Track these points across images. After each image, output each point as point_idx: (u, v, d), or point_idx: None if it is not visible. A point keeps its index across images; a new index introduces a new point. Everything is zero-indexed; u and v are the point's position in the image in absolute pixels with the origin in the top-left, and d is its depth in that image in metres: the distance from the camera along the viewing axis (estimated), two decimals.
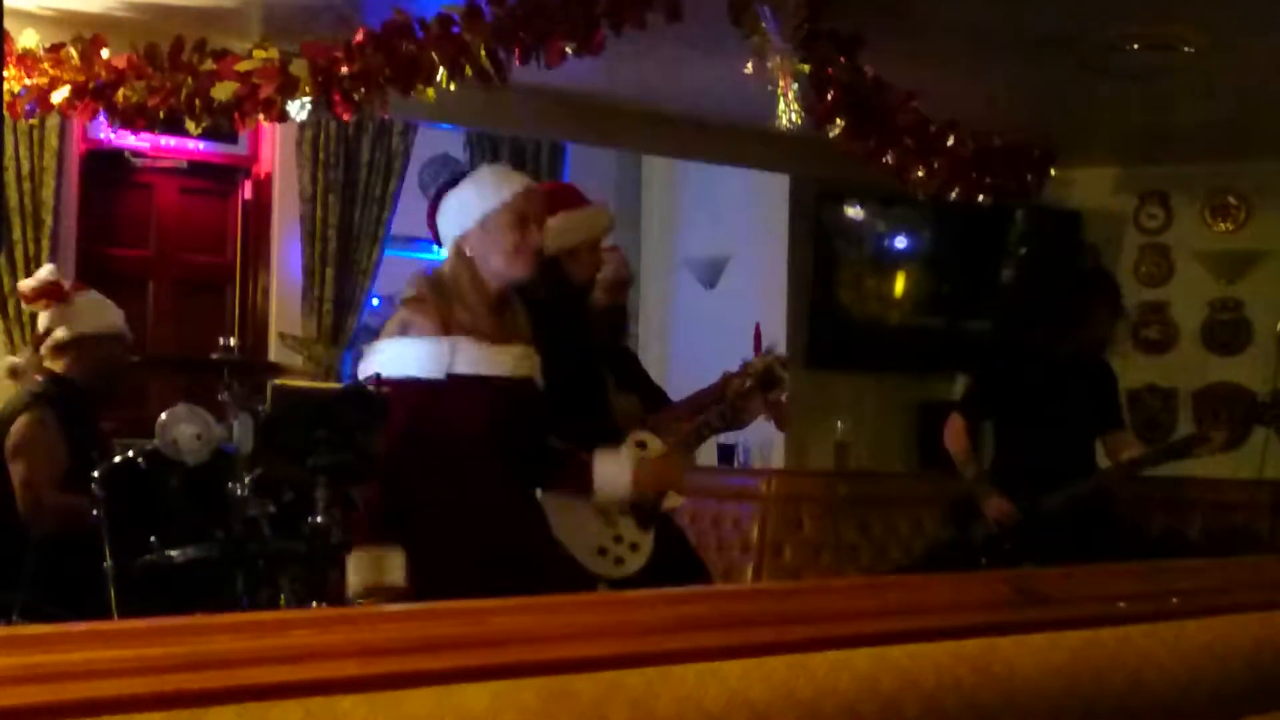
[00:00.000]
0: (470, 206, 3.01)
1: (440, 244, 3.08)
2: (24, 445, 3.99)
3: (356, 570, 2.79)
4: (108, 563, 3.61)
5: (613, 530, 3.43)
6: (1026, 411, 4.64)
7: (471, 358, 2.88)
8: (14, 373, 4.28)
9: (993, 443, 4.95)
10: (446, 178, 3.12)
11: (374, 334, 6.75)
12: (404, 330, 2.93)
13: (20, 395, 4.19)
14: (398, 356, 2.86)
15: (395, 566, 2.76)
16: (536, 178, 7.13)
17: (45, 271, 4.33)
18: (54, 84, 4.67)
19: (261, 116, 4.85)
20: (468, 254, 2.98)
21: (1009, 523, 4.53)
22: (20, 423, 4.02)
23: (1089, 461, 4.68)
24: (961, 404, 4.89)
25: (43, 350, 4.23)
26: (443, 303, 2.93)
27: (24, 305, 4.39)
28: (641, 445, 3.57)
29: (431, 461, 2.87)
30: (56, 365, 4.18)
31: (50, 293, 4.19)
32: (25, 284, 4.32)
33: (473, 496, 2.89)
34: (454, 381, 2.85)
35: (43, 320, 4.23)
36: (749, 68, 4.88)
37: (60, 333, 4.16)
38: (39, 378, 4.20)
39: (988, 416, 4.82)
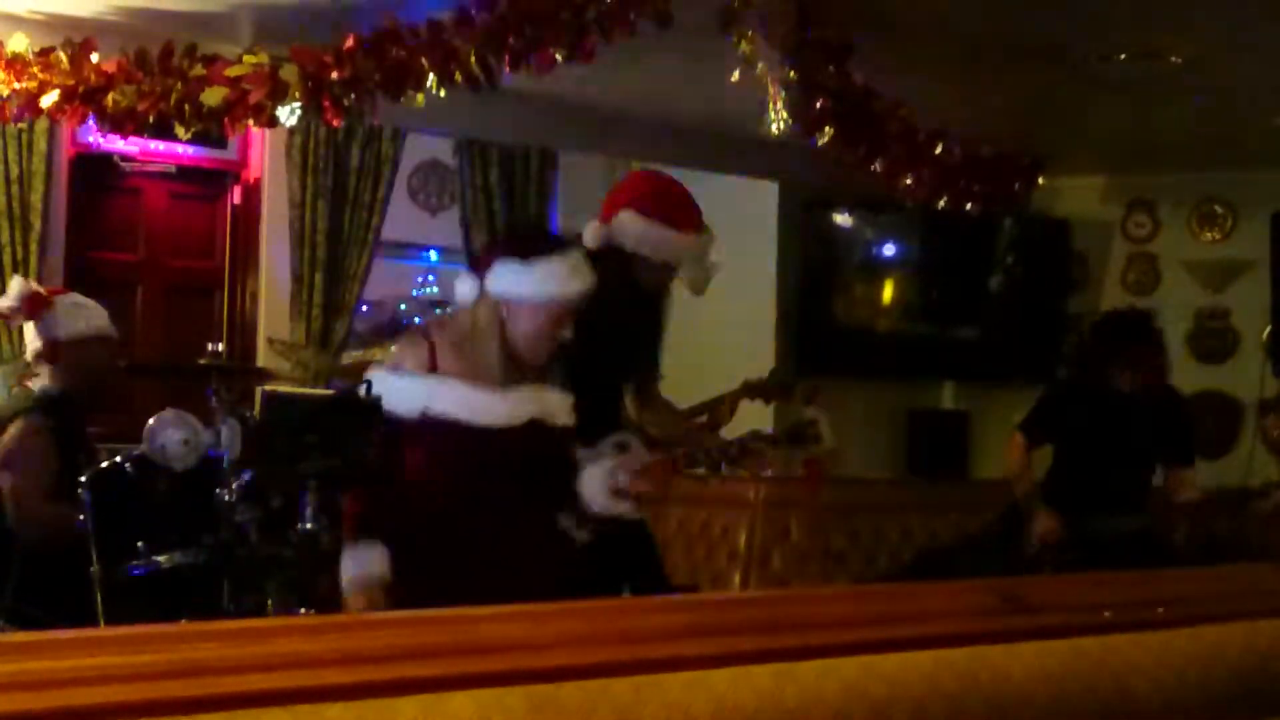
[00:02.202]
0: (541, 283, 3.00)
1: (472, 267, 3.09)
2: (15, 453, 3.96)
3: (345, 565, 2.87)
4: (95, 568, 3.60)
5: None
6: (1086, 438, 4.59)
7: (454, 401, 2.92)
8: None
9: (1050, 461, 4.85)
10: (535, 234, 3.15)
11: (362, 340, 6.75)
12: (395, 365, 2.98)
13: (12, 402, 4.17)
14: (380, 388, 2.89)
15: (379, 560, 2.84)
16: (525, 184, 7.16)
17: (15, 289, 4.25)
18: (43, 88, 4.66)
19: (251, 121, 4.85)
20: (502, 313, 3.00)
21: (1053, 542, 4.50)
22: (12, 430, 3.99)
23: (1143, 492, 4.64)
24: (1024, 424, 4.79)
25: (28, 358, 4.21)
26: (443, 343, 2.97)
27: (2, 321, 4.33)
28: (622, 447, 3.53)
29: (402, 495, 2.92)
30: (42, 372, 4.16)
31: (29, 308, 4.14)
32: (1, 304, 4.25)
33: (441, 536, 2.93)
34: (426, 422, 2.90)
35: (27, 329, 4.21)
36: (735, 75, 4.89)
37: (39, 341, 4.14)
38: (28, 384, 4.18)
39: (1048, 439, 4.76)
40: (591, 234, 3.50)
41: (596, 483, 3.07)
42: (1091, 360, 4.68)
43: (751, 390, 3.97)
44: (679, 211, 3.50)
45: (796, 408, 3.67)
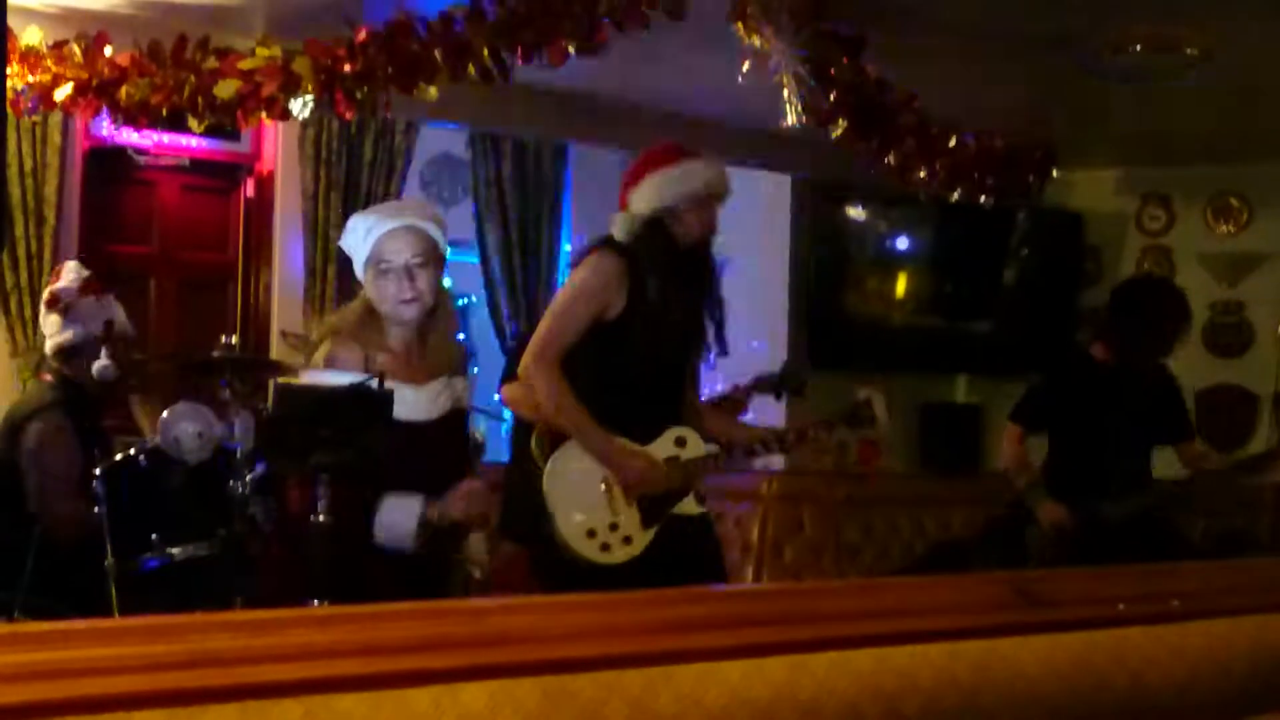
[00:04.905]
0: (355, 255, 3.09)
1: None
2: (42, 452, 3.98)
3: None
4: (109, 560, 3.61)
5: (611, 516, 3.39)
6: (1082, 420, 4.56)
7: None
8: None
9: (1046, 450, 4.81)
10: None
11: None
12: (329, 364, 2.98)
13: (32, 397, 4.18)
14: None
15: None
16: (537, 177, 7.16)
17: (74, 271, 4.28)
18: (57, 81, 4.67)
19: (264, 114, 4.85)
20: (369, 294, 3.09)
21: (1064, 529, 4.47)
22: (37, 428, 4.01)
23: (1146, 471, 4.61)
24: (1016, 413, 4.74)
25: (48, 352, 4.22)
26: (364, 336, 2.99)
27: (44, 307, 4.36)
28: (681, 442, 3.51)
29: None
30: (64, 367, 4.17)
31: (90, 288, 4.17)
32: (61, 286, 4.26)
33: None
34: None
35: (50, 323, 4.21)
36: (745, 66, 4.88)
37: (66, 336, 4.16)
38: (47, 378, 4.20)
39: (1043, 425, 4.72)
40: (621, 223, 3.50)
41: (402, 515, 2.98)
42: (1116, 326, 4.61)
43: (763, 385, 3.98)
44: (677, 149, 3.57)
45: (848, 389, 3.71)
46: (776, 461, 7.20)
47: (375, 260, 3.02)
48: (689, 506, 3.50)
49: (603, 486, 3.38)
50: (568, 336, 3.38)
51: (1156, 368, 4.70)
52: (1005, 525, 4.78)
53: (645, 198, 3.44)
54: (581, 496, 3.38)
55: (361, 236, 3.04)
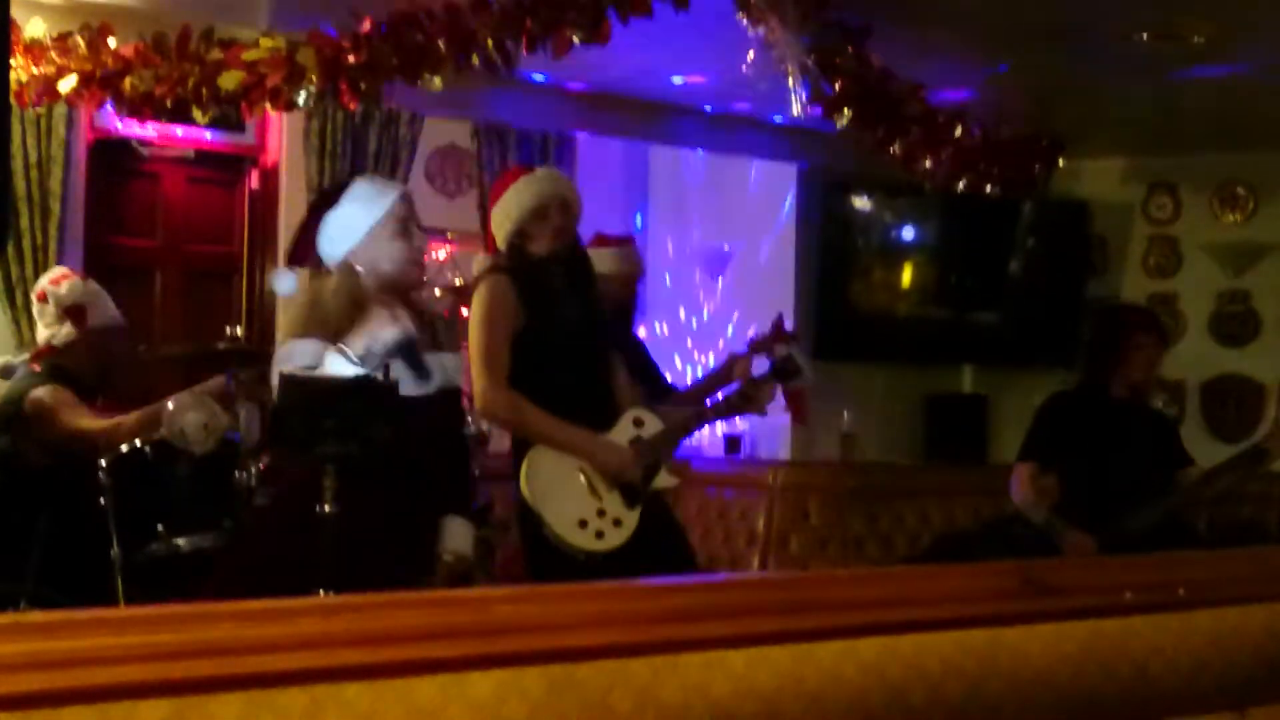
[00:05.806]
0: (354, 222, 3.05)
1: (319, 265, 3.11)
2: (54, 402, 4.03)
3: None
4: (115, 551, 3.62)
5: (597, 503, 3.46)
6: (1094, 452, 4.54)
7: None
8: (5, 373, 4.32)
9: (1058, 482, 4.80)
10: (317, 197, 3.21)
11: None
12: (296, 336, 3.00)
13: (26, 381, 4.19)
14: (310, 353, 2.93)
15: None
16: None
17: (61, 280, 4.32)
18: (61, 73, 4.67)
19: (268, 105, 4.85)
20: (358, 269, 3.04)
21: (1091, 554, 4.45)
22: (45, 390, 4.05)
23: (1163, 485, 4.57)
24: (1028, 452, 4.68)
25: (40, 343, 4.24)
26: (325, 330, 2.98)
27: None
28: (639, 423, 3.59)
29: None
30: (56, 357, 4.19)
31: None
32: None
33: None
34: None
35: (44, 316, 4.23)
36: (750, 56, 4.87)
37: (59, 330, 4.17)
38: (37, 368, 4.21)
39: (1055, 458, 4.71)
40: (484, 261, 3.69)
41: (463, 531, 3.12)
42: (1096, 353, 4.65)
43: (759, 348, 4.03)
44: (510, 177, 3.71)
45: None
46: (781, 451, 7.22)
47: (389, 221, 3.03)
48: (664, 480, 3.63)
49: (580, 477, 3.44)
50: (501, 360, 3.48)
51: (1154, 412, 4.74)
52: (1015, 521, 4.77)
53: (497, 231, 3.62)
54: (563, 490, 3.45)
55: (369, 200, 3.06)
